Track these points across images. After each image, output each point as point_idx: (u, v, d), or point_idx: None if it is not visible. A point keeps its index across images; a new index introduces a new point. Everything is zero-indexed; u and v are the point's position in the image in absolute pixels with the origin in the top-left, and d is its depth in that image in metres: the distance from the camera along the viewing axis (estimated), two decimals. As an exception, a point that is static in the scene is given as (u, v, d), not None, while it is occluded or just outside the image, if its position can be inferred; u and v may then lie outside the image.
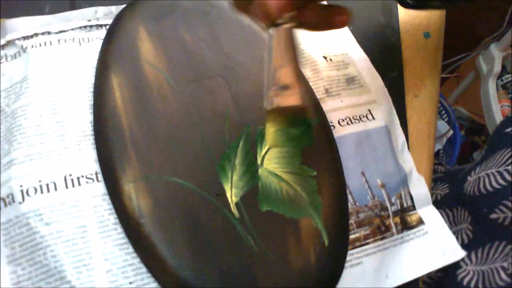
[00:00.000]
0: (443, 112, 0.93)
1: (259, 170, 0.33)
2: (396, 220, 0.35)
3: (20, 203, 0.29)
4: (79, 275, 0.28)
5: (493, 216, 0.35)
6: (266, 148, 0.33)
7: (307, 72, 0.39)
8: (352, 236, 0.33)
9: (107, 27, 0.38)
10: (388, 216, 0.35)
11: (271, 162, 0.33)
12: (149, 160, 0.32)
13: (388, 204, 0.35)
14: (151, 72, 0.35)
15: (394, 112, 0.39)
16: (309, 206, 0.32)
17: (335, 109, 0.38)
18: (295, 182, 0.32)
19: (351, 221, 0.34)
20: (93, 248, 0.29)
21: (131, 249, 0.30)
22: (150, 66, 0.35)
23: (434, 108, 0.41)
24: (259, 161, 0.33)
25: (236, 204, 0.31)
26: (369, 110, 0.38)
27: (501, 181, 0.35)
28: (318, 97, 0.38)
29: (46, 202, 0.30)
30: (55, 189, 0.30)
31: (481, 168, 0.38)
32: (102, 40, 0.37)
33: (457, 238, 0.35)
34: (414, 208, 0.36)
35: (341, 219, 0.33)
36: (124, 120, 0.32)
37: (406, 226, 0.35)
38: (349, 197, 0.34)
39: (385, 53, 0.42)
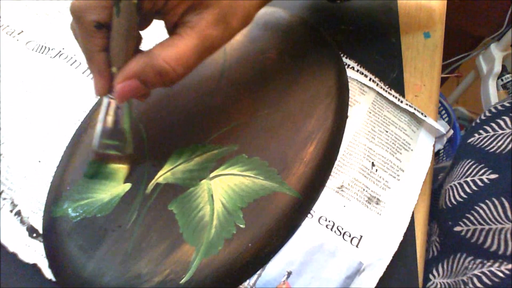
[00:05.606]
0: (443, 112, 0.93)
1: (207, 180, 0.30)
2: None
3: None
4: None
5: (457, 229, 0.34)
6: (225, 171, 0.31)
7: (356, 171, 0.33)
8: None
9: None
10: None
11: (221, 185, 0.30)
12: None
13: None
14: None
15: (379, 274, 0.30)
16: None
17: (330, 205, 0.31)
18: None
19: None
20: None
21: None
22: None
23: (434, 108, 0.41)
24: (212, 174, 0.30)
25: (157, 184, 0.30)
26: (361, 236, 0.31)
27: (462, 194, 0.34)
28: (333, 187, 0.32)
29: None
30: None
31: (447, 180, 0.38)
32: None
33: (427, 251, 0.34)
34: None
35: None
36: None
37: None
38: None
39: (385, 53, 0.42)
